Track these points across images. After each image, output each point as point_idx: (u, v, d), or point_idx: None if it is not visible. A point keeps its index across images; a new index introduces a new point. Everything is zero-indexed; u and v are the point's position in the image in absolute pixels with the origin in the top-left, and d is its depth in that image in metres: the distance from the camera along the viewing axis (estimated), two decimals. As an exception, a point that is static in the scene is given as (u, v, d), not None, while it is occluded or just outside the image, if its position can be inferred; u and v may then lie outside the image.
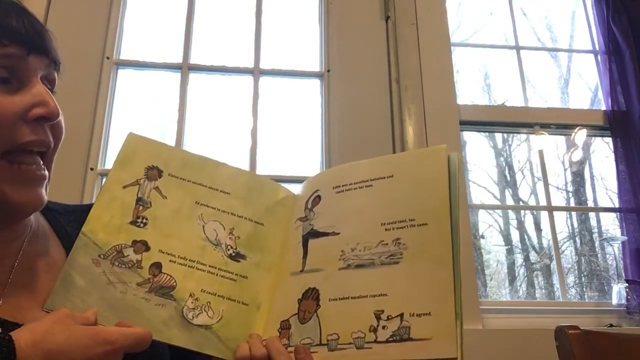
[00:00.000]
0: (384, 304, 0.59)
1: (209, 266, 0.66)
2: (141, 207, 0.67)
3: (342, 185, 0.71)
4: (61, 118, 0.62)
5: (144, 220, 0.67)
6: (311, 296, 0.64)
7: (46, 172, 0.61)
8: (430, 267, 0.60)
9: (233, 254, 0.68)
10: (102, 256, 0.63)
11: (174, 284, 0.64)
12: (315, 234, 0.69)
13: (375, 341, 0.58)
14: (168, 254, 0.65)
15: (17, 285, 0.61)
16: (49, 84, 0.63)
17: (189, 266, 0.65)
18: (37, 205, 0.60)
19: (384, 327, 0.58)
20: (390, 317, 0.58)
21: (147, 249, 0.65)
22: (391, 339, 0.57)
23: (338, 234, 0.67)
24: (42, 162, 0.61)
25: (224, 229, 0.69)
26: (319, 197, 0.72)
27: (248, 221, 0.71)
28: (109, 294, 0.61)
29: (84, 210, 0.69)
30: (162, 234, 0.66)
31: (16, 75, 0.58)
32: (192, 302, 0.63)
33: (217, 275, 0.66)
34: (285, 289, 0.67)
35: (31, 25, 0.60)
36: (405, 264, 0.61)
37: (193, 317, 0.62)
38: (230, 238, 0.69)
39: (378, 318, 0.59)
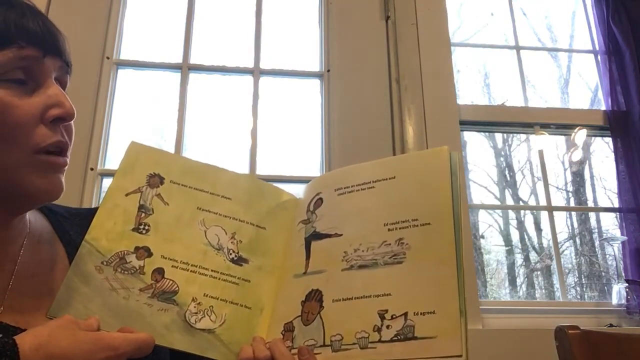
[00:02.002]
0: (387, 304, 0.59)
1: (211, 270, 0.66)
2: (143, 214, 0.68)
3: (344, 188, 0.71)
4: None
5: (146, 227, 0.67)
6: (314, 298, 0.64)
7: (66, 159, 0.62)
8: (433, 266, 0.60)
9: (235, 258, 0.68)
10: (104, 263, 0.63)
11: (177, 288, 0.64)
12: (317, 235, 0.69)
13: (380, 341, 0.58)
14: (170, 259, 0.65)
15: (18, 290, 0.61)
16: (60, 85, 0.63)
17: (191, 271, 0.65)
18: (58, 192, 0.61)
19: (388, 327, 0.58)
20: (394, 317, 0.58)
21: (150, 255, 0.65)
22: (395, 338, 0.57)
23: (341, 235, 0.68)
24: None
25: (226, 233, 0.69)
26: (321, 199, 0.72)
27: (250, 225, 0.71)
28: (111, 300, 0.61)
29: (87, 214, 0.69)
30: (164, 240, 0.67)
31: (32, 76, 0.59)
32: (195, 307, 0.63)
33: (219, 279, 0.66)
34: (288, 291, 0.67)
35: (46, 26, 0.61)
36: (409, 264, 0.61)
37: (195, 322, 0.62)
38: (232, 242, 0.69)
39: (382, 318, 0.59)
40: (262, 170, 1.78)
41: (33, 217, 0.68)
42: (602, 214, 2.20)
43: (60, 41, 0.63)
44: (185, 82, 1.84)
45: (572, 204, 2.29)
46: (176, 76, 1.86)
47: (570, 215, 2.24)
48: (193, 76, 1.88)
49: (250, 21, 1.97)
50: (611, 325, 1.67)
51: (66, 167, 0.62)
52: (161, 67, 1.89)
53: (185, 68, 1.85)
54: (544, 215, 2.14)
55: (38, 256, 0.65)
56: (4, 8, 0.58)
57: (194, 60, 1.88)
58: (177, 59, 1.87)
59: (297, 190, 0.78)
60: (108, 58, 1.80)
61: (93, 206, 1.62)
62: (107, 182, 1.70)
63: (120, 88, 1.83)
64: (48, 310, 0.59)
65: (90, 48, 1.78)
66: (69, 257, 0.67)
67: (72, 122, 0.63)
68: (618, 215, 1.89)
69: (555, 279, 1.99)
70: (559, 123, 2.01)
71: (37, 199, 0.61)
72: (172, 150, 1.75)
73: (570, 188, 2.28)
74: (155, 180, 0.71)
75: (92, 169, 1.66)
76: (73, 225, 0.71)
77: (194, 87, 1.87)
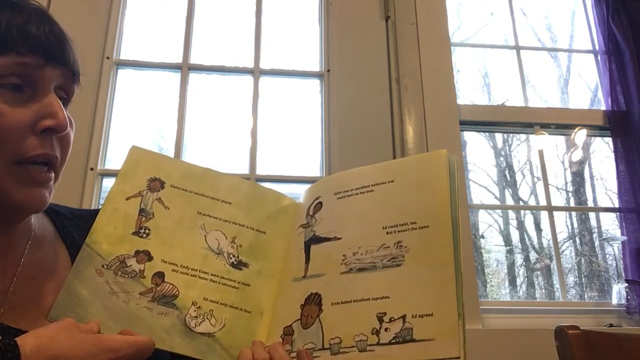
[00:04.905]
0: (386, 307, 0.59)
1: (211, 275, 0.66)
2: (144, 218, 0.68)
3: (344, 191, 0.71)
4: (69, 130, 0.62)
5: (147, 231, 0.67)
6: (313, 301, 0.64)
7: (51, 175, 0.60)
8: (432, 268, 0.60)
9: (235, 262, 0.68)
10: (105, 266, 0.64)
11: (177, 292, 0.64)
12: (317, 239, 0.69)
13: (378, 343, 0.58)
14: (170, 263, 0.66)
15: (19, 293, 0.61)
16: (65, 94, 0.62)
17: (191, 275, 0.65)
18: (39, 206, 0.60)
19: (386, 330, 0.58)
20: (392, 319, 0.58)
21: (150, 258, 0.65)
22: (394, 340, 0.57)
23: (340, 238, 0.67)
24: (47, 169, 0.60)
25: (226, 238, 0.69)
26: (320, 203, 0.72)
27: (250, 230, 0.71)
28: (111, 303, 0.61)
29: (90, 216, 0.69)
30: (165, 244, 0.67)
31: (30, 84, 0.58)
32: (195, 311, 0.63)
33: (219, 283, 0.66)
34: (287, 295, 0.67)
35: (52, 33, 0.59)
36: (407, 266, 0.61)
37: (195, 325, 0.62)
38: (232, 247, 0.69)
39: (380, 320, 0.59)
40: (262, 170, 1.78)
41: (37, 218, 0.68)
42: (602, 214, 2.20)
43: (66, 49, 0.61)
44: (185, 82, 1.84)
45: (572, 204, 2.29)
46: (176, 76, 1.86)
47: (570, 215, 2.24)
48: (193, 76, 1.88)
49: (250, 21, 1.97)
50: (611, 325, 1.67)
51: (51, 181, 0.60)
52: (161, 67, 1.89)
53: (185, 68, 1.85)
54: (544, 215, 2.14)
55: (41, 258, 0.65)
56: (9, 12, 0.57)
57: (193, 60, 1.88)
58: (177, 59, 1.87)
59: (297, 191, 0.78)
60: (108, 58, 1.80)
61: (93, 206, 1.62)
62: (107, 182, 1.70)
63: (120, 88, 1.83)
64: (48, 313, 0.59)
65: (90, 48, 1.78)
66: (71, 259, 0.67)
67: (69, 133, 0.61)
68: (618, 215, 1.89)
69: (555, 279, 1.99)
70: (559, 123, 2.01)
71: (18, 211, 0.60)
72: (172, 150, 1.75)
73: (570, 188, 2.28)
74: (156, 184, 0.71)
75: (92, 169, 1.66)
76: (76, 227, 0.71)
77: (194, 87, 1.87)
